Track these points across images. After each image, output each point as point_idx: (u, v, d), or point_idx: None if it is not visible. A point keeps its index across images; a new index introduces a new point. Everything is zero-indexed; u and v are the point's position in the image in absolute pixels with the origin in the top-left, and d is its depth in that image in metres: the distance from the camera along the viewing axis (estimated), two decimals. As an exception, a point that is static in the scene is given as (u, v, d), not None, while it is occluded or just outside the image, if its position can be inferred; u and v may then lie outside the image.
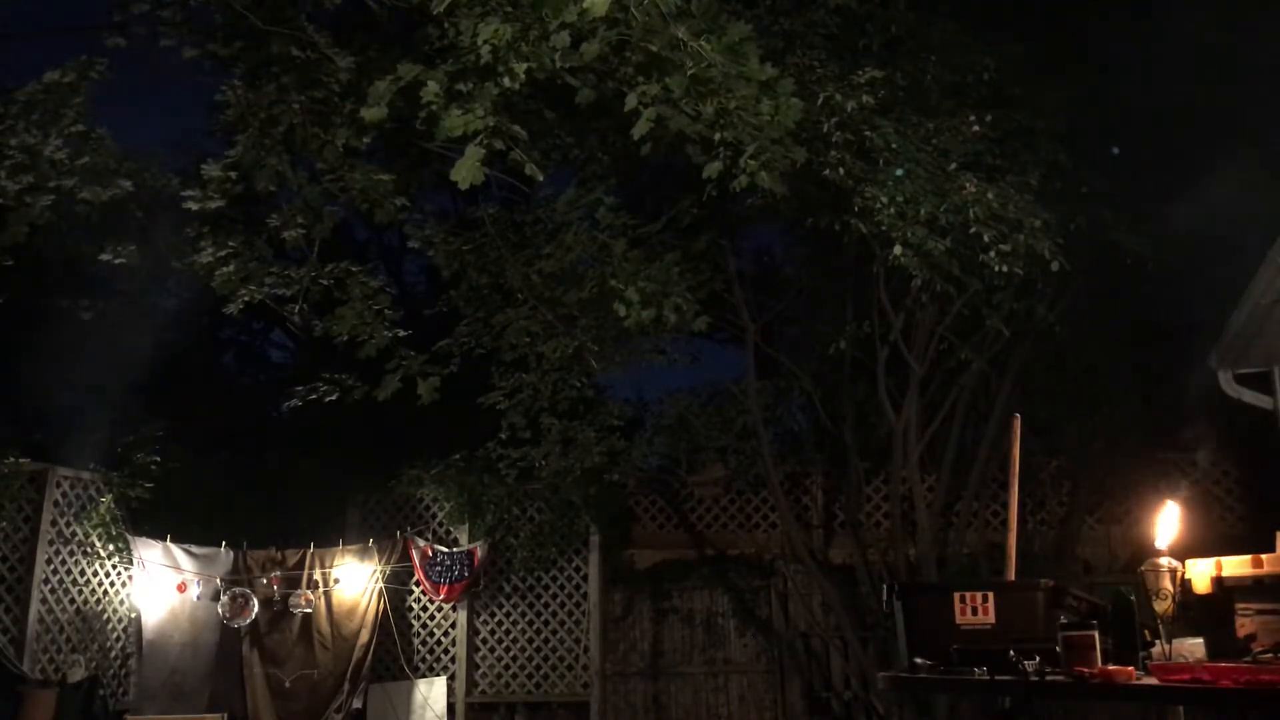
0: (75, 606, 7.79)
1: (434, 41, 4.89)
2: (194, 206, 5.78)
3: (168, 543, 8.18)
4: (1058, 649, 2.84)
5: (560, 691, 8.93)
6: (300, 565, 8.61)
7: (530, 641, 9.03)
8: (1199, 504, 8.15)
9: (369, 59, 5.50)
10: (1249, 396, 6.00)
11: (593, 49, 3.97)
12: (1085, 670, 2.71)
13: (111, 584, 8.08)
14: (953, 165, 5.89)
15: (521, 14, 3.89)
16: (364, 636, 8.55)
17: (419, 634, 9.11)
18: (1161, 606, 3.00)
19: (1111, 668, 2.73)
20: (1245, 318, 5.48)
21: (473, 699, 8.92)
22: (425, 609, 9.12)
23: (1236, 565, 5.16)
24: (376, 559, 8.67)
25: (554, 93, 5.86)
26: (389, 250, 14.69)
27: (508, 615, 9.07)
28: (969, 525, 8.18)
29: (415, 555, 8.73)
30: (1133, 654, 2.87)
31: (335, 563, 8.66)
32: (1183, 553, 3.23)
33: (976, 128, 6.19)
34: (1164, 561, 3.09)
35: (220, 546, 8.41)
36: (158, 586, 8.03)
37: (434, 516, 9.23)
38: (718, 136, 4.30)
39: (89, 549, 7.95)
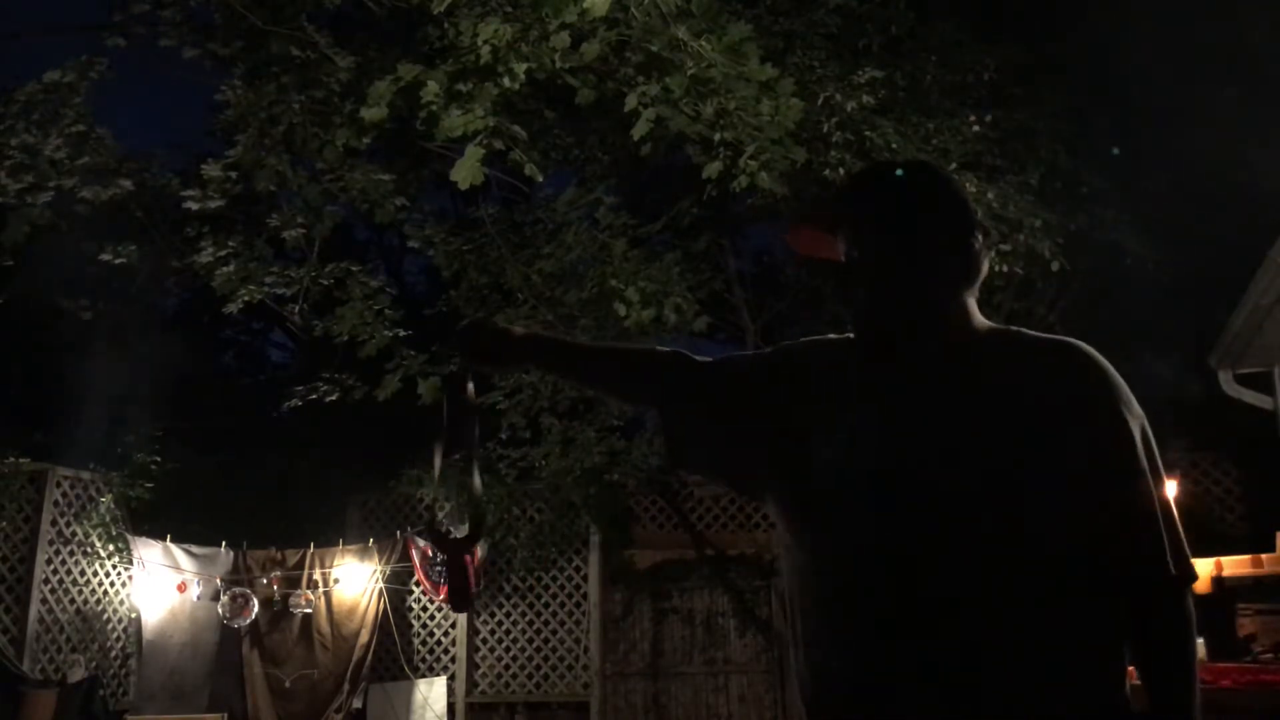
0: (75, 606, 7.78)
1: (434, 41, 4.90)
2: (194, 206, 5.79)
3: (168, 543, 8.17)
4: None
5: (560, 691, 8.93)
6: (300, 565, 8.60)
7: (530, 641, 9.02)
8: (1199, 504, 8.14)
9: (369, 59, 5.52)
10: (1249, 396, 5.98)
11: (593, 49, 3.97)
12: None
13: (111, 584, 8.07)
14: (953, 165, 5.89)
15: (521, 14, 3.90)
16: (364, 636, 8.54)
17: (419, 634, 9.10)
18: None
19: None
20: (1245, 318, 5.47)
21: (473, 699, 8.92)
22: (425, 609, 9.12)
23: (1236, 565, 5.16)
24: (376, 559, 8.67)
25: (554, 93, 5.87)
26: (389, 250, 14.68)
27: (508, 615, 9.06)
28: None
29: (415, 555, 8.71)
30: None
31: (335, 563, 8.65)
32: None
33: (976, 128, 6.19)
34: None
35: (220, 546, 8.40)
36: (158, 586, 8.02)
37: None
38: (718, 136, 4.31)
39: (89, 549, 7.94)
